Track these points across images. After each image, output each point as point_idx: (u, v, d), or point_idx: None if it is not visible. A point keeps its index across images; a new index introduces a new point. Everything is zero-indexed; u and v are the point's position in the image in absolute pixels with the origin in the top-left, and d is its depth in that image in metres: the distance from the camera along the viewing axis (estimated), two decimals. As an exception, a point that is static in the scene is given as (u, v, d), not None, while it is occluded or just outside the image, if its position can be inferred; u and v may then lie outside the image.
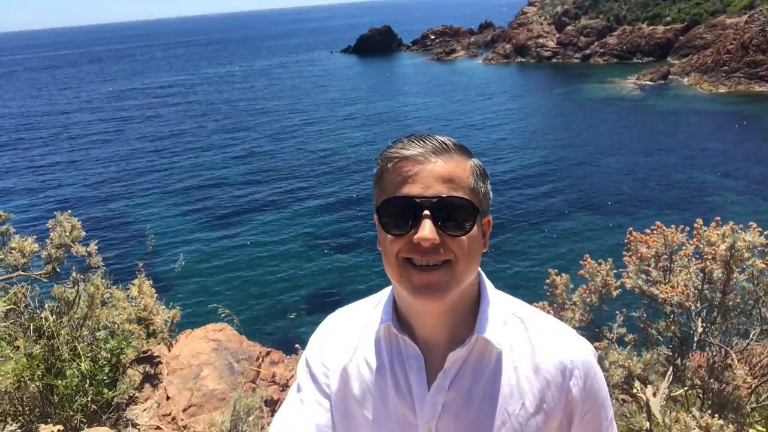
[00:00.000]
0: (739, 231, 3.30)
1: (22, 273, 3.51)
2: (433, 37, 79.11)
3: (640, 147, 29.29)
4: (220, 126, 40.75)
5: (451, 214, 1.07)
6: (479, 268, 1.19)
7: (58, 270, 3.58)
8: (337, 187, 25.79)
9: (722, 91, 40.09)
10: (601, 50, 56.41)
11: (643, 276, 3.36)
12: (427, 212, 1.05)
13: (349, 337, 1.27)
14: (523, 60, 60.64)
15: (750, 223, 3.40)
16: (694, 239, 3.29)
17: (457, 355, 1.15)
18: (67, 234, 3.54)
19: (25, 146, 38.42)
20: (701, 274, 3.22)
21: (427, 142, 1.11)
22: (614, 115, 36.38)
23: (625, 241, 3.54)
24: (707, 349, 3.65)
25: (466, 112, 40.09)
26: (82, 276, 3.69)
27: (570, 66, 56.04)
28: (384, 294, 1.28)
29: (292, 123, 39.94)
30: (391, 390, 1.19)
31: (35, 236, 3.66)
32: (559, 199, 22.75)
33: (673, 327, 3.40)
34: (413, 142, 1.11)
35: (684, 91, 41.39)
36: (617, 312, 3.77)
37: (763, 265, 3.14)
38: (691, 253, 3.29)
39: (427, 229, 1.04)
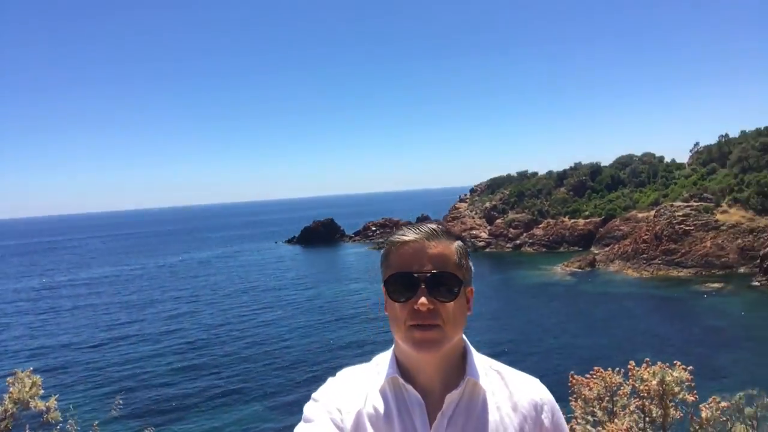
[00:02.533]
0: (667, 368, 3.60)
1: (-27, 431, 3.20)
2: (374, 228, 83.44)
3: (575, 328, 30.32)
4: (155, 317, 39.57)
5: (442, 285, 1.37)
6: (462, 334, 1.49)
7: (9, 427, 3.29)
8: (282, 379, 24.78)
9: (645, 275, 43.28)
10: (530, 240, 60.88)
11: (590, 418, 3.48)
12: (423, 285, 1.35)
13: (357, 390, 1.46)
14: (460, 249, 64.16)
15: (675, 362, 3.70)
16: (630, 380, 3.53)
17: (452, 396, 1.41)
18: (27, 390, 3.34)
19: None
20: (641, 414, 3.39)
21: (421, 229, 1.43)
22: (550, 298, 38.10)
23: (569, 384, 3.70)
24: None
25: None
26: (35, 436, 3.40)
27: (504, 254, 59.62)
28: (380, 357, 1.54)
29: (229, 314, 39.37)
30: None
31: None
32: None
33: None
34: (411, 229, 1.44)
35: (612, 277, 44.36)
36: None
37: (693, 398, 3.38)
38: (629, 392, 3.50)
39: (423, 298, 1.34)
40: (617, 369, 3.93)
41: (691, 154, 63.14)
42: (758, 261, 38.98)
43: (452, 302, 1.37)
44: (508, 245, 61.94)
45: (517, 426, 1.42)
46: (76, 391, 23.88)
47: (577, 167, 68.91)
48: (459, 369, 1.46)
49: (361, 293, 43.51)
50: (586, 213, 59.92)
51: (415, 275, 1.35)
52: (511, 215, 64.69)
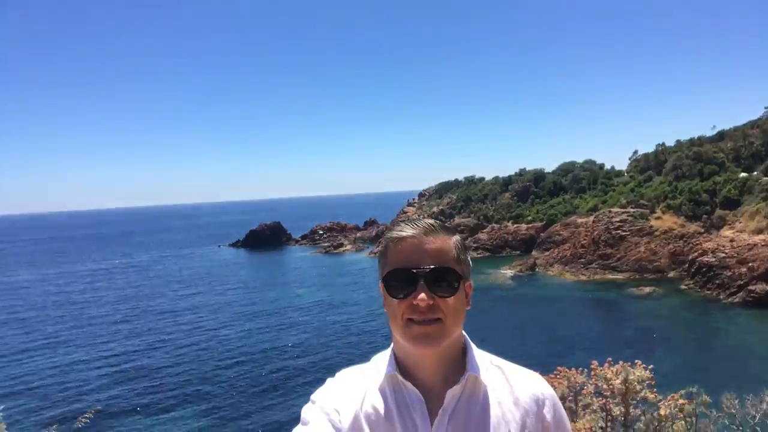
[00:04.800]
0: (628, 368, 3.54)
1: None
2: (321, 231, 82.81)
3: (514, 330, 30.82)
4: (85, 323, 37.74)
5: (441, 280, 1.35)
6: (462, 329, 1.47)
7: None
8: (218, 391, 23.96)
9: (583, 278, 44.58)
10: (475, 245, 61.77)
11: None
12: (422, 281, 1.34)
13: (355, 389, 1.44)
14: (407, 253, 64.38)
15: (636, 361, 3.64)
16: (593, 379, 3.43)
17: (454, 392, 1.39)
18: None
19: None
20: (603, 412, 3.28)
21: (419, 225, 1.41)
22: (492, 302, 38.66)
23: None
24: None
25: (354, 301, 40.66)
26: None
27: (449, 259, 60.20)
28: (379, 356, 1.51)
29: (165, 320, 37.99)
30: (400, 431, 1.37)
31: None
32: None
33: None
34: (408, 224, 1.42)
35: (550, 280, 45.49)
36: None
37: (652, 396, 3.32)
38: (592, 392, 3.42)
39: (423, 294, 1.33)
40: (580, 368, 3.85)
41: (629, 161, 65.84)
42: (687, 265, 40.84)
43: (452, 297, 1.36)
44: (453, 249, 62.63)
45: (519, 421, 1.41)
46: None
47: (522, 173, 70.64)
48: (459, 364, 1.44)
49: (306, 298, 42.93)
50: (529, 218, 61.37)
51: (414, 271, 1.34)
52: (457, 219, 65.52)
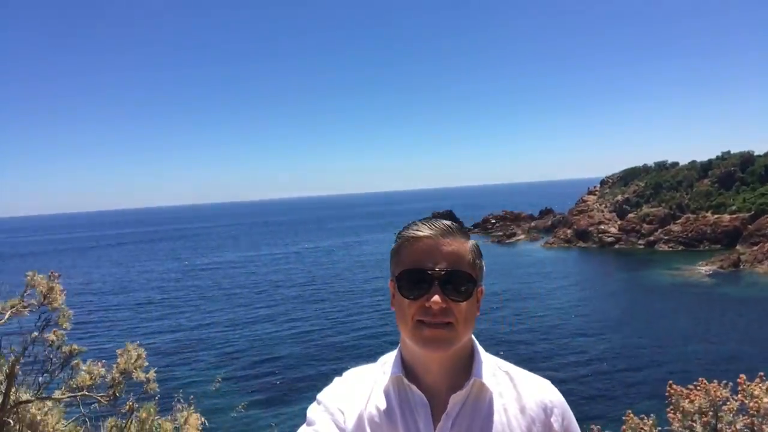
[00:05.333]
0: None
1: (86, 394, 3.74)
2: (494, 221, 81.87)
3: (710, 334, 27.56)
4: (279, 302, 42.16)
5: (456, 284, 1.33)
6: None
7: (117, 395, 3.79)
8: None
9: (802, 280, 38.22)
10: (666, 237, 56.24)
11: (689, 432, 3.17)
12: (437, 283, 1.32)
13: (361, 390, 1.44)
14: (585, 245, 60.92)
15: None
16: (739, 395, 3.16)
17: (457, 397, 1.37)
18: (132, 361, 3.83)
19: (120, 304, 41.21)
20: (747, 430, 3.03)
21: (436, 225, 1.39)
22: (684, 301, 35.02)
23: (666, 394, 3.41)
24: None
25: (525, 293, 39.73)
26: (137, 405, 3.87)
27: (634, 252, 55.67)
28: (387, 357, 1.50)
29: (348, 300, 40.74)
30: None
31: (103, 362, 4.00)
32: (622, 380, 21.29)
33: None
34: (425, 224, 1.40)
35: (759, 279, 39.77)
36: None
37: None
38: (735, 409, 3.14)
39: (437, 296, 1.30)
40: (724, 382, 3.55)
41: None
42: None
43: (465, 302, 1.34)
44: (639, 242, 57.73)
45: (525, 429, 1.38)
46: (191, 368, 26.12)
47: (724, 157, 62.30)
48: (466, 369, 1.42)
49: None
50: (733, 208, 54.07)
51: (429, 272, 1.32)
52: (645, 209, 60.18)
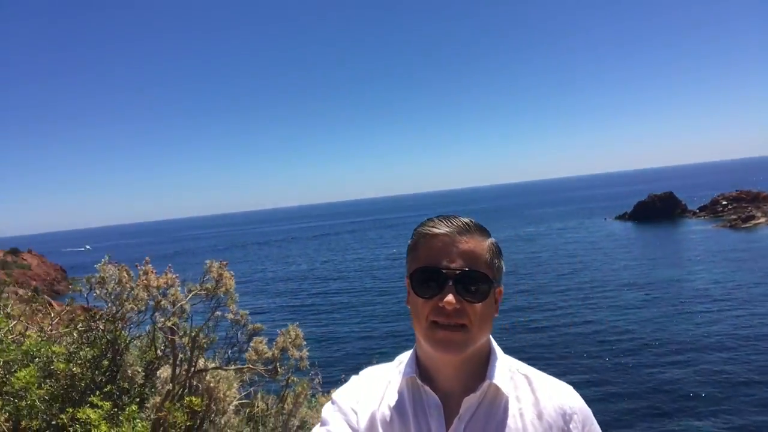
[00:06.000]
0: None
1: (251, 367, 4.21)
2: (725, 202, 71.52)
3: None
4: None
5: (471, 284, 1.29)
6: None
7: (279, 370, 4.20)
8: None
9: None
10: None
11: None
12: (451, 282, 1.28)
13: (375, 390, 1.43)
14: None
15: None
16: None
17: (471, 400, 1.33)
18: (291, 340, 4.19)
19: (323, 286, 45.87)
20: None
21: (453, 222, 1.35)
22: None
23: None
24: None
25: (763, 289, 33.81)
26: (295, 379, 4.25)
27: None
28: (403, 356, 1.48)
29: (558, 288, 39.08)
30: None
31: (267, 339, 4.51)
32: None
33: None
34: (442, 222, 1.36)
35: None
36: None
37: None
38: None
39: (450, 296, 1.27)
40: None
41: None
42: None
43: (481, 303, 1.30)
44: None
45: None
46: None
47: None
48: (481, 372, 1.38)
49: (708, 280, 37.95)
50: None
51: (444, 271, 1.29)
52: None
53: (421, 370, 1.40)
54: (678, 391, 19.58)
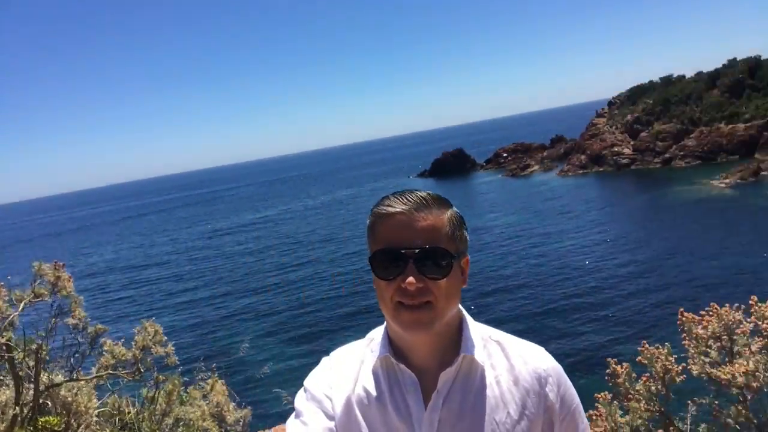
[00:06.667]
0: None
1: (111, 372, 3.92)
2: (505, 154, 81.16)
3: (733, 249, 27.44)
4: (299, 258, 42.70)
5: (431, 261, 1.26)
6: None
7: (141, 370, 3.97)
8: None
9: (823, 182, 37.67)
10: (681, 153, 55.36)
11: (705, 358, 3.24)
12: (411, 262, 1.25)
13: (347, 371, 1.41)
14: (601, 169, 60.30)
15: None
16: (752, 317, 3.19)
17: (447, 375, 1.33)
18: (150, 337, 3.98)
19: (139, 274, 42.23)
20: (765, 353, 3.08)
21: (410, 199, 1.30)
22: (706, 215, 34.84)
23: (677, 322, 3.46)
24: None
25: (546, 223, 39.75)
26: (163, 377, 4.06)
27: (651, 171, 54.98)
28: (375, 333, 1.46)
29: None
30: (392, 413, 1.32)
31: (123, 340, 4.19)
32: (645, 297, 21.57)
33: (745, 412, 3.17)
34: (398, 199, 1.31)
35: (780, 186, 39.27)
36: (688, 402, 3.58)
37: None
38: (749, 331, 3.17)
39: (411, 276, 1.24)
40: (736, 305, 3.56)
41: None
42: None
43: (445, 278, 1.27)
44: (655, 160, 56.89)
45: (519, 401, 1.34)
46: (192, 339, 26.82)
47: (731, 65, 60.37)
48: (455, 344, 1.37)
49: (501, 222, 43.05)
50: (746, 116, 52.76)
51: (403, 251, 1.25)
52: (657, 127, 58.98)
53: (394, 348, 1.37)
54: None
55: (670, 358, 3.42)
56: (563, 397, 1.38)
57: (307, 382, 1.44)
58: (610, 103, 72.30)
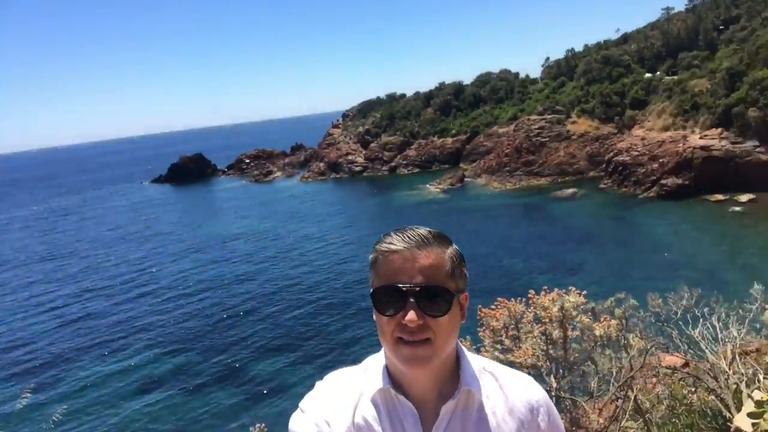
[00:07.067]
0: (563, 295, 4.05)
1: None
2: (247, 160, 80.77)
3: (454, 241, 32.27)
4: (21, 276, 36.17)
5: (432, 299, 1.29)
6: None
7: None
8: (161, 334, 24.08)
9: (510, 187, 46.81)
10: (404, 162, 62.68)
11: (498, 346, 3.86)
12: (412, 299, 1.27)
13: (346, 399, 1.39)
14: (338, 176, 64.60)
15: (570, 288, 4.17)
16: (532, 307, 3.92)
17: (448, 407, 1.36)
18: None
19: None
20: (543, 336, 3.83)
21: (411, 236, 1.33)
22: (426, 216, 40.08)
23: (477, 317, 4.03)
24: (560, 403, 4.18)
25: (291, 227, 40.88)
26: None
27: (380, 178, 61.00)
28: (370, 362, 1.46)
29: (87, 265, 36.92)
30: None
31: None
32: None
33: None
34: (399, 236, 1.34)
35: (480, 191, 47.47)
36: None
37: (588, 320, 3.87)
38: (531, 320, 3.89)
39: (412, 313, 1.27)
40: (519, 299, 4.22)
41: (542, 68, 67.33)
42: (604, 165, 43.61)
43: (444, 316, 1.30)
44: (384, 168, 63.28)
45: (514, 430, 1.39)
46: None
47: (441, 87, 70.90)
48: (453, 376, 1.41)
49: (248, 228, 42.56)
50: (453, 131, 62.59)
51: (404, 289, 1.28)
52: (384, 138, 65.72)
53: (392, 379, 1.38)
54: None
55: (472, 348, 3.93)
56: (553, 426, 1.47)
57: (303, 404, 1.42)
58: (344, 115, 77.91)
